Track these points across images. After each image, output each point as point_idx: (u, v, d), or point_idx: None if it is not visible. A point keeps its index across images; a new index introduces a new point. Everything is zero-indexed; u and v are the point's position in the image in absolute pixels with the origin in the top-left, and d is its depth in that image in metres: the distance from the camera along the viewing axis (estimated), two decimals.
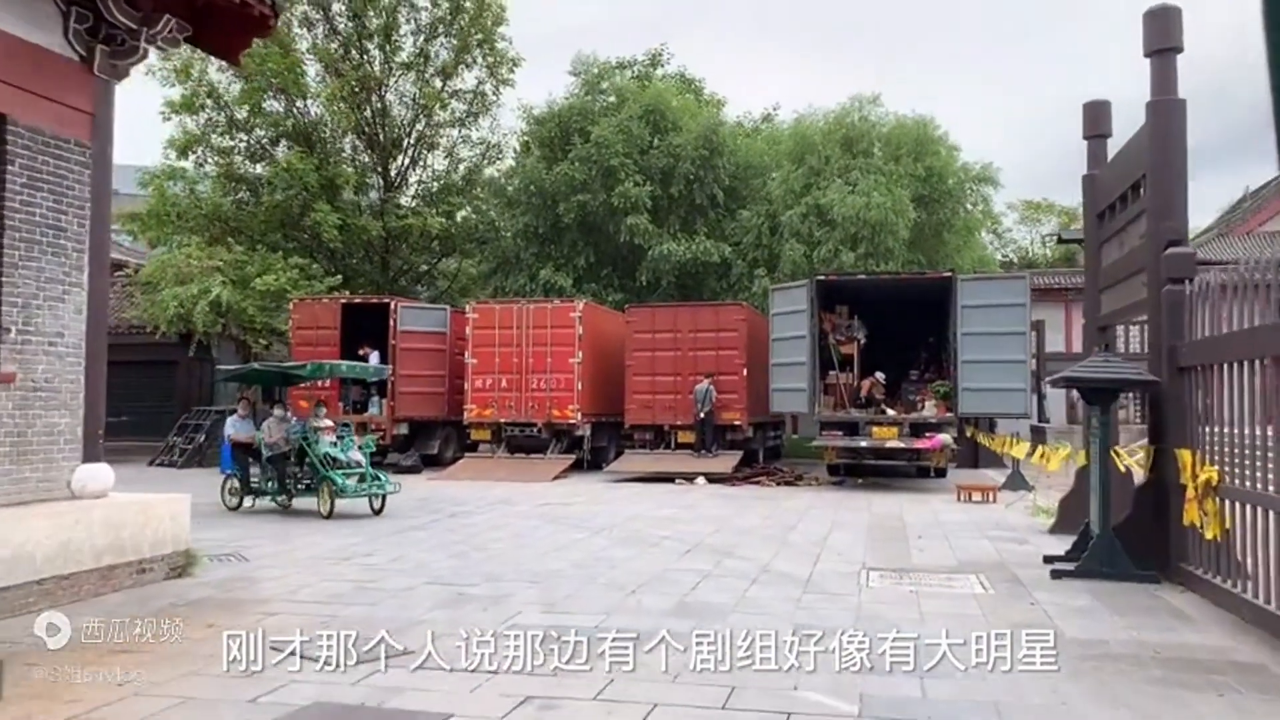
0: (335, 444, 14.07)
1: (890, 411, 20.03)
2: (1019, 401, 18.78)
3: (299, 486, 14.26)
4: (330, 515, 13.22)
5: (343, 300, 23.34)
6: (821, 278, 20.14)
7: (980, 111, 57.28)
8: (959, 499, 16.46)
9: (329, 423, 14.75)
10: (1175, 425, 8.57)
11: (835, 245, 26.93)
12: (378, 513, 13.56)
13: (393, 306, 22.75)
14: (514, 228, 30.20)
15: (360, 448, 14.23)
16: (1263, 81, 1.91)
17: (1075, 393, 35.48)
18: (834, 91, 73.10)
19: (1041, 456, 14.75)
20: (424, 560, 9.69)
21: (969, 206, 30.90)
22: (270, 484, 14.47)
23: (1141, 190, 9.94)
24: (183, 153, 28.33)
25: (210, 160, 28.79)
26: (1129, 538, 8.88)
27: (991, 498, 16.29)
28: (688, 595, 7.98)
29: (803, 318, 19.62)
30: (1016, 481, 18.77)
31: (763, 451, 23.60)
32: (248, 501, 14.56)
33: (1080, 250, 51.86)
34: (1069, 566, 9.05)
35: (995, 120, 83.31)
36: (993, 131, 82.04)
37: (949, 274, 19.49)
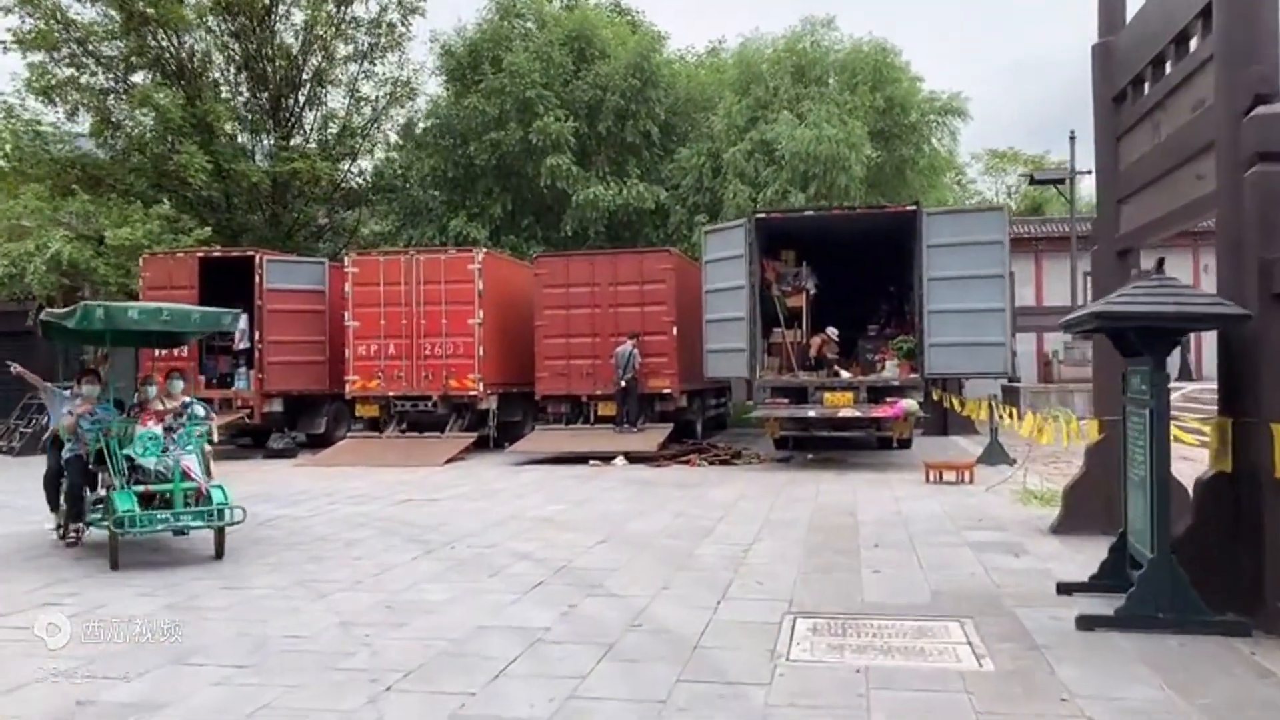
0: (158, 439, 8.33)
1: (845, 374, 16.85)
2: (997, 358, 15.63)
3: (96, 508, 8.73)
4: (116, 565, 7.82)
5: (200, 254, 19.68)
6: (762, 215, 16.83)
7: (946, 49, 54.16)
8: (928, 479, 13.34)
9: (164, 405, 8.83)
10: (1272, 386, 5.39)
11: (783, 186, 23.66)
12: (218, 556, 8.23)
13: (257, 260, 19.13)
14: (420, 173, 26.58)
15: (196, 443, 8.62)
16: None
17: (1059, 346, 32.93)
18: (785, 17, 68.72)
19: (1036, 429, 11.62)
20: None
21: (934, 143, 27.66)
22: (64, 502, 9.04)
23: (1195, 40, 6.70)
24: (45, 95, 24.37)
25: (81, 105, 24.79)
26: (1190, 560, 5.71)
27: (967, 477, 13.17)
28: (474, 699, 4.69)
29: (740, 265, 16.33)
30: (995, 454, 15.68)
31: (701, 423, 20.35)
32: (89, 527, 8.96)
33: (1056, 196, 49.03)
34: (1101, 608, 5.88)
35: (959, 60, 79.89)
36: (957, 71, 79.02)
37: (913, 207, 16.24)
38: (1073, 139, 31.30)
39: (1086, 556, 7.67)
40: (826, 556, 8.02)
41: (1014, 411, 16.11)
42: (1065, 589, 6.57)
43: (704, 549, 8.45)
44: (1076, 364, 31.69)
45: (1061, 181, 32.25)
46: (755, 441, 18.91)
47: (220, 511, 8.15)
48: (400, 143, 28.68)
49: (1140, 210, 7.91)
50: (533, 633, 5.74)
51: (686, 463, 16.38)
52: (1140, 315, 5.35)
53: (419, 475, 15.04)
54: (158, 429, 8.38)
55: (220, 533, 8.26)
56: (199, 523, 8.16)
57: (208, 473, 8.67)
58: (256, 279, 18.97)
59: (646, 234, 25.69)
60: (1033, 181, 33.34)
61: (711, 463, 16.41)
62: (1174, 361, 34.84)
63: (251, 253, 19.66)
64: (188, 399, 9.04)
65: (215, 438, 9.47)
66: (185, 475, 8.29)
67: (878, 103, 25.49)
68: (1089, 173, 34.95)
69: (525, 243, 25.39)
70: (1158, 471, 5.54)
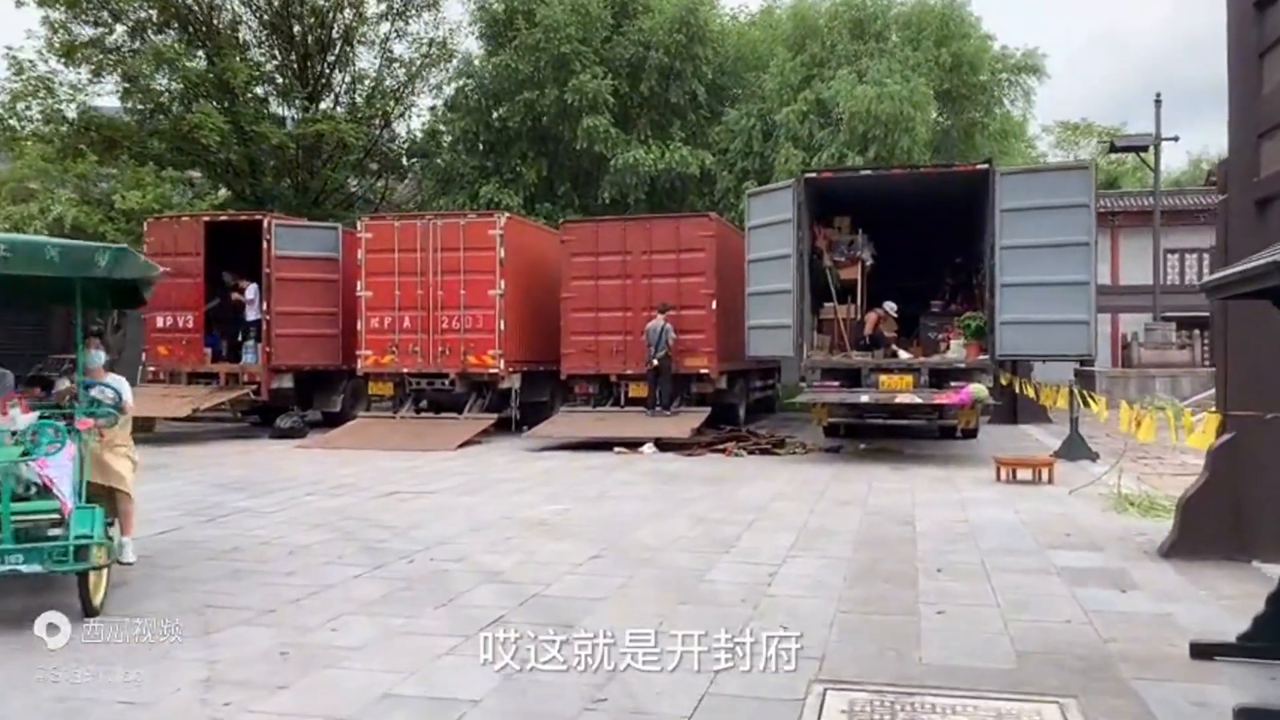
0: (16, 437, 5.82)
1: (904, 354, 15.01)
2: (1080, 338, 13.61)
3: None
4: None
5: (206, 218, 18.34)
6: (812, 175, 15.03)
7: (1019, 17, 51.24)
8: (999, 477, 11.49)
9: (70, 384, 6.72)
10: None
11: (840, 149, 21.75)
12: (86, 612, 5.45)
13: (266, 224, 17.73)
14: (451, 136, 25.05)
15: (81, 440, 5.94)
16: None
17: (1139, 328, 30.36)
18: None
19: (1134, 422, 9.69)
20: None
21: (1007, 105, 25.44)
22: None
23: None
24: (67, 56, 23.23)
25: (106, 66, 23.56)
26: None
27: (1046, 476, 11.29)
28: None
29: (787, 231, 14.51)
30: (1076, 448, 13.75)
31: (744, 408, 18.57)
32: None
33: (1132, 171, 46.11)
34: (1262, 685, 4.10)
35: (1033, 30, 76.45)
36: (1031, 39, 75.45)
37: (985, 166, 14.27)
38: (1158, 102, 28.80)
39: (1216, 594, 5.87)
40: (874, 586, 6.29)
41: (1097, 399, 14.12)
42: (1203, 651, 4.77)
43: (720, 570, 6.76)
44: (1157, 346, 29.32)
45: (1145, 149, 29.69)
46: (803, 429, 17.12)
47: (80, 550, 5.35)
48: (435, 106, 27.20)
49: None
50: (453, 708, 4.11)
51: (723, 451, 14.66)
52: None
53: (424, 461, 13.54)
54: (14, 420, 5.89)
55: (84, 580, 5.42)
56: (35, 566, 5.32)
57: (105, 484, 6.36)
58: (265, 245, 17.59)
59: (691, 202, 23.89)
60: (1113, 149, 30.76)
61: (750, 452, 14.68)
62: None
63: (260, 216, 18.28)
64: (108, 381, 7.07)
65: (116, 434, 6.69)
66: (45, 490, 5.60)
67: (944, 59, 23.37)
68: (1175, 139, 32.53)
69: (561, 210, 23.74)
70: None
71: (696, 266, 16.37)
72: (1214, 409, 7.15)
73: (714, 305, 16.27)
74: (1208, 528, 6.86)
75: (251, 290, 17.92)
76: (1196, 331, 30.45)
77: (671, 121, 24.21)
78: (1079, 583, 6.27)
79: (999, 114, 25.24)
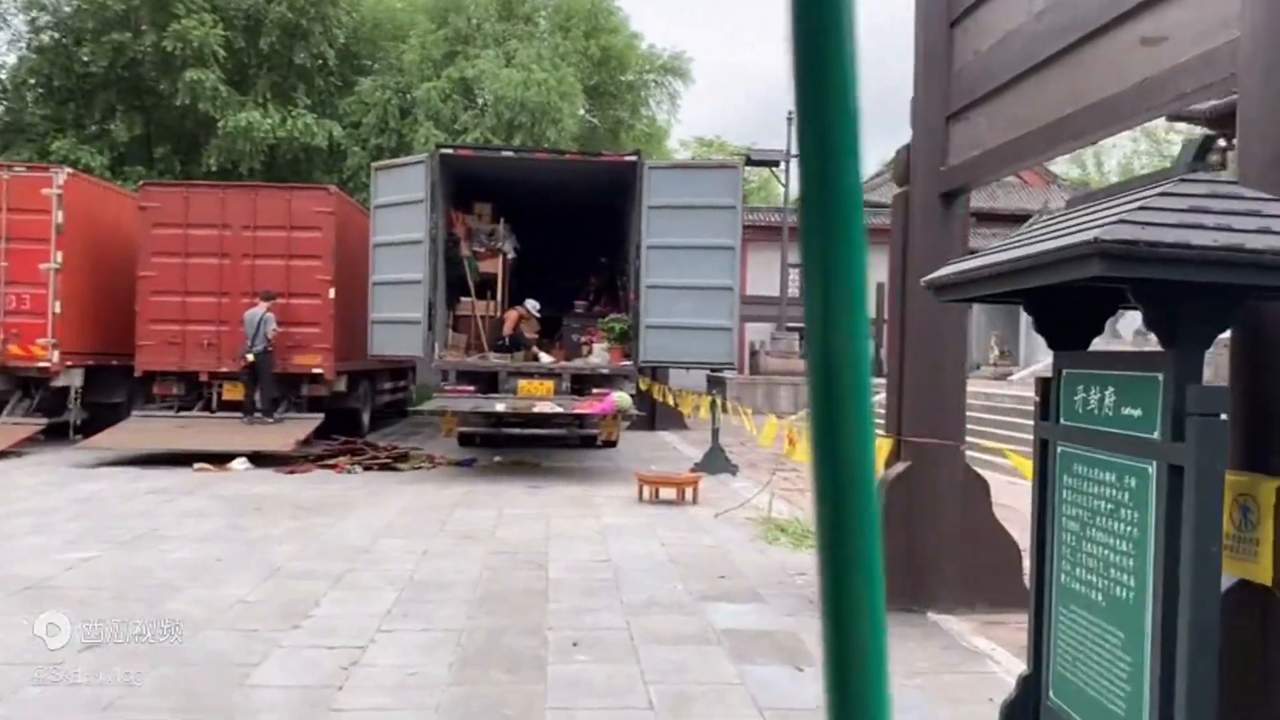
0: None
1: (546, 357, 13.67)
2: (723, 345, 12.98)
3: None
4: None
5: None
6: (449, 151, 13.22)
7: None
8: (641, 497, 10.35)
9: None
10: None
11: (484, 134, 20.17)
12: None
13: None
14: (15, 77, 20.55)
15: None
16: None
17: (765, 336, 31.58)
18: None
19: (787, 440, 8.83)
20: None
21: (654, 105, 25.17)
22: None
23: None
24: None
25: None
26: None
27: (691, 495, 10.30)
28: None
29: (419, 213, 12.65)
30: (716, 460, 13.07)
31: (368, 414, 16.40)
32: None
33: (757, 190, 48.85)
34: None
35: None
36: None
37: (633, 157, 13.26)
38: (790, 120, 30.10)
39: (909, 669, 4.79)
40: (489, 678, 4.61)
41: (744, 410, 13.60)
42: None
43: (274, 664, 4.77)
44: (783, 355, 30.67)
45: (777, 164, 30.93)
46: (434, 437, 15.26)
47: None
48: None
49: (997, 124, 5.10)
50: None
51: (333, 467, 12.44)
52: (1234, 254, 2.32)
53: None
54: None
55: None
56: None
57: None
58: None
59: (317, 178, 21.19)
60: (749, 162, 31.66)
61: (367, 468, 12.56)
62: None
63: None
64: None
65: None
66: None
67: (593, 52, 22.57)
68: None
69: (159, 176, 20.13)
70: (1193, 623, 2.53)
71: (312, 248, 13.99)
72: (885, 434, 6.25)
73: (332, 294, 14.00)
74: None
75: None
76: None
77: (295, 86, 21.40)
78: (746, 657, 4.98)
79: (645, 116, 24.92)
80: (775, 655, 5.02)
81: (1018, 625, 5.65)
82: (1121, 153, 55.16)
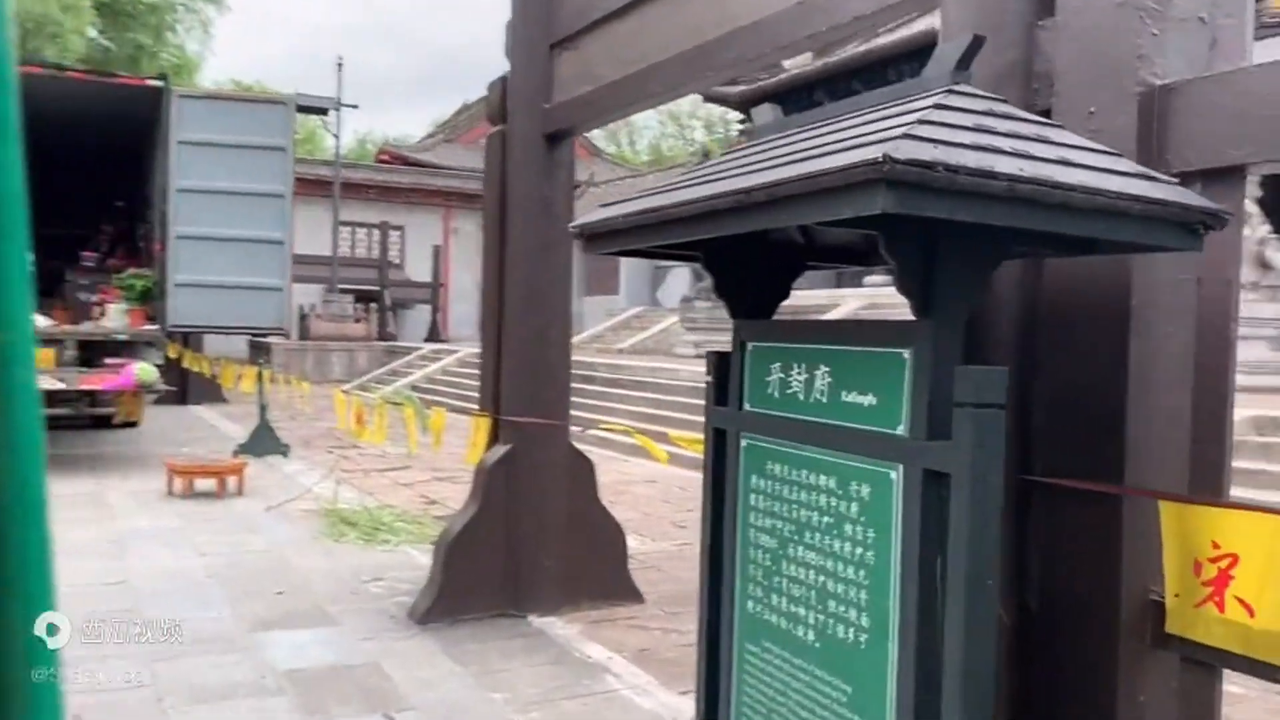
0: None
1: (43, 320, 11.08)
2: (273, 308, 11.38)
3: None
4: None
5: None
6: None
7: None
8: (171, 490, 8.57)
9: None
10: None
11: None
12: None
13: None
14: None
15: None
16: None
17: (316, 300, 29.28)
18: None
19: (356, 418, 7.63)
20: None
21: (182, 33, 22.04)
22: None
23: None
24: None
25: None
26: None
27: (235, 486, 8.71)
28: None
29: None
30: (265, 441, 11.44)
31: None
32: None
33: (308, 138, 45.77)
34: None
35: None
36: None
37: (159, 82, 11.10)
38: (340, 66, 28.30)
39: (518, 699, 3.98)
40: None
41: (297, 381, 12.06)
42: None
43: None
44: (335, 319, 28.82)
45: (326, 112, 28.85)
46: None
47: None
48: None
49: (614, 55, 4.38)
50: None
51: None
52: (1072, 193, 1.67)
53: None
54: None
55: None
56: None
57: None
58: None
59: None
60: (300, 109, 29.24)
61: None
62: (420, 320, 33.90)
63: None
64: None
65: None
66: None
67: None
68: (356, 106, 32.28)
69: None
70: (965, 675, 1.90)
71: None
72: (481, 411, 5.37)
73: None
74: (477, 576, 5.03)
75: None
76: (373, 305, 30.75)
77: None
78: (321, 709, 3.86)
79: (173, 44, 21.78)
80: (360, 702, 3.95)
81: (627, 623, 5.11)
82: (652, 133, 59.32)
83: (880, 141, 1.63)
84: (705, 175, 2.29)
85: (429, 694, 4.03)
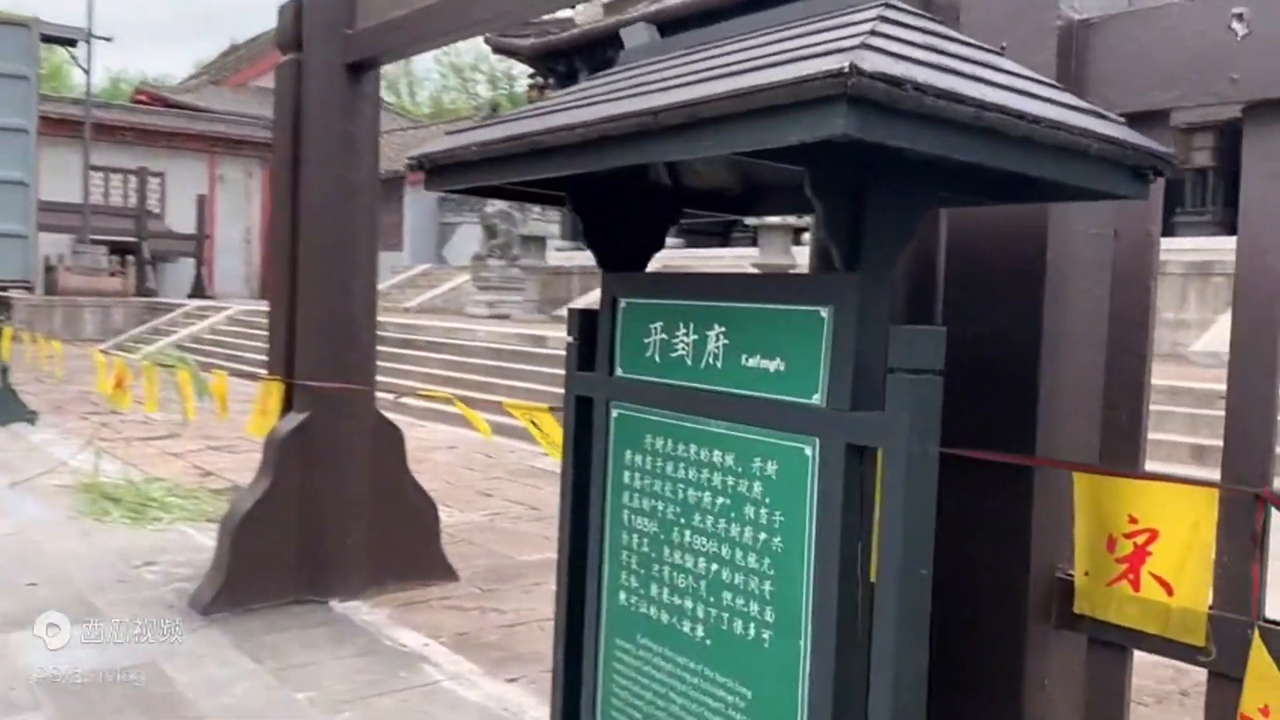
0: None
1: None
2: (18, 258, 10.18)
3: None
4: None
5: None
6: None
7: None
8: None
9: None
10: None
11: None
12: None
13: None
14: None
15: None
16: None
17: (65, 250, 26.40)
18: None
19: (116, 382, 6.70)
20: None
21: None
22: None
23: None
24: None
25: None
26: None
27: None
28: None
29: None
30: (7, 406, 10.16)
31: None
32: None
33: (51, 74, 41.35)
34: None
35: None
36: None
37: None
38: None
39: (332, 701, 3.55)
40: None
41: (44, 340, 10.77)
42: None
43: None
44: (87, 272, 26.29)
45: (75, 44, 26.12)
46: None
47: None
48: None
49: None
50: None
51: None
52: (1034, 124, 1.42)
53: None
54: None
55: None
56: None
57: None
58: None
59: None
60: (44, 39, 26.22)
61: None
62: (184, 274, 31.19)
63: None
64: None
65: None
66: None
67: None
68: (110, 39, 29.23)
69: None
70: (896, 684, 1.66)
71: None
72: (270, 375, 4.79)
73: None
74: (270, 559, 4.48)
75: None
76: (130, 258, 28.20)
77: None
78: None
79: None
80: (136, 713, 3.37)
81: (442, 604, 4.74)
82: (433, 85, 57.39)
83: (837, 52, 1.34)
84: (575, 100, 1.94)
85: (221, 698, 3.50)
